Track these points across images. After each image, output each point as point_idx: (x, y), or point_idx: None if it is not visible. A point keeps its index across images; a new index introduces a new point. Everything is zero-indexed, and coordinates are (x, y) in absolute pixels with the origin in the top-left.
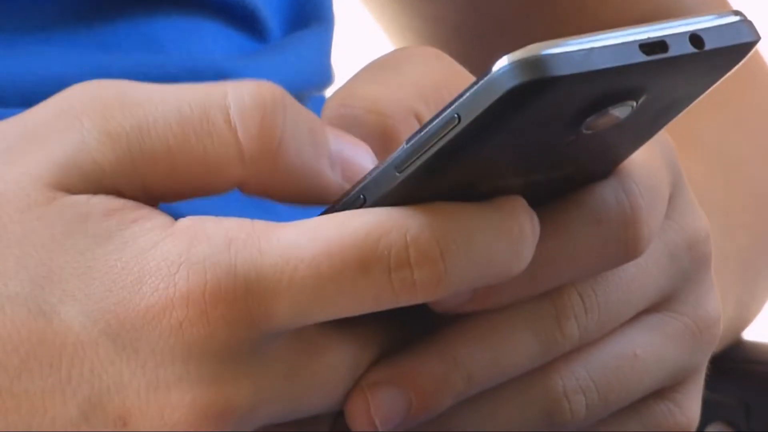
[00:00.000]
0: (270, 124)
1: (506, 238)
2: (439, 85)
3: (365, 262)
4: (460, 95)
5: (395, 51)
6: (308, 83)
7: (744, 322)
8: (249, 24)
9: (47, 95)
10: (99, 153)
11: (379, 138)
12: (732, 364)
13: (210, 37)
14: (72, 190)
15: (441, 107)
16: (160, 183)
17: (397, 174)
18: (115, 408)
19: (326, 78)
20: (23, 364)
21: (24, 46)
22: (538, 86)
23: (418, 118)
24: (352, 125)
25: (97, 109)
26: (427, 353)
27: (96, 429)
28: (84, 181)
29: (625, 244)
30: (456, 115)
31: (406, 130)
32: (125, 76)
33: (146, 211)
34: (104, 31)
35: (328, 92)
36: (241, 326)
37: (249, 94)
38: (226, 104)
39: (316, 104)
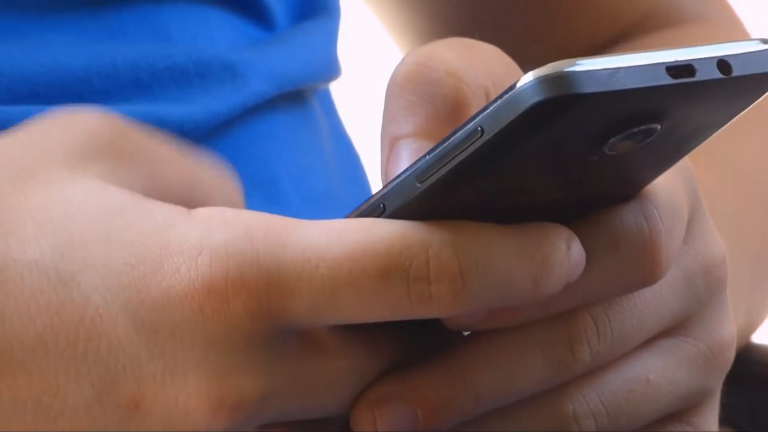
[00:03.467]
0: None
1: (527, 264)
2: (504, 73)
3: (386, 270)
4: (484, 109)
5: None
6: (315, 74)
7: (753, 329)
8: (256, 13)
9: (54, 86)
10: (116, 143)
11: (452, 101)
12: (737, 366)
13: (216, 26)
14: (90, 176)
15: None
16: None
17: (418, 184)
18: (129, 390)
19: (333, 70)
20: (39, 337)
21: (31, 35)
22: (562, 103)
23: (487, 95)
24: (428, 84)
25: (108, 117)
26: (436, 371)
27: (108, 410)
28: (101, 170)
29: (643, 270)
30: (479, 128)
31: (478, 103)
32: (132, 67)
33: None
34: (111, 20)
35: (334, 86)
36: (260, 319)
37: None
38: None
39: (323, 97)
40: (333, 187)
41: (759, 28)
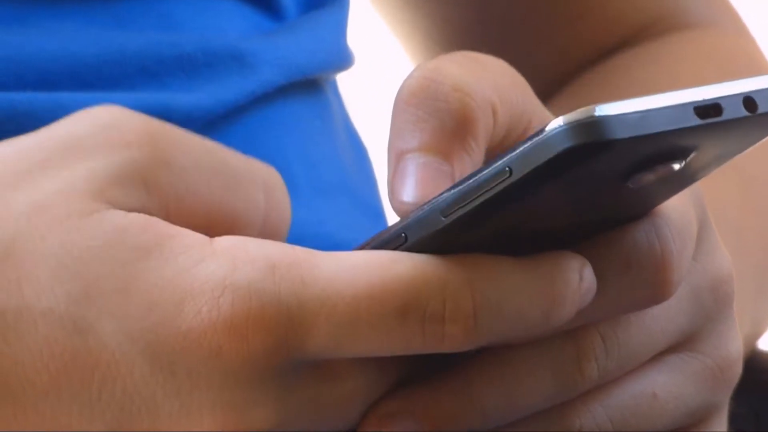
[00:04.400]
0: (287, 209)
1: (539, 300)
2: (511, 88)
3: (403, 309)
4: (513, 149)
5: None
6: (325, 64)
7: (757, 337)
8: (264, 2)
9: (62, 73)
10: (147, 172)
11: (459, 116)
12: (743, 374)
13: (225, 15)
14: (112, 203)
15: (511, 108)
16: (185, 222)
17: (443, 218)
18: (144, 429)
19: (344, 59)
20: (52, 381)
21: (39, 22)
22: (592, 149)
23: (493, 109)
24: (434, 98)
25: (146, 131)
26: (444, 387)
27: None
28: (125, 196)
29: (654, 289)
30: (508, 169)
31: (485, 118)
32: (140, 55)
33: (180, 229)
34: (119, 8)
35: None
36: (277, 353)
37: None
38: (264, 175)
39: (333, 88)
40: (345, 176)
41: (760, 29)
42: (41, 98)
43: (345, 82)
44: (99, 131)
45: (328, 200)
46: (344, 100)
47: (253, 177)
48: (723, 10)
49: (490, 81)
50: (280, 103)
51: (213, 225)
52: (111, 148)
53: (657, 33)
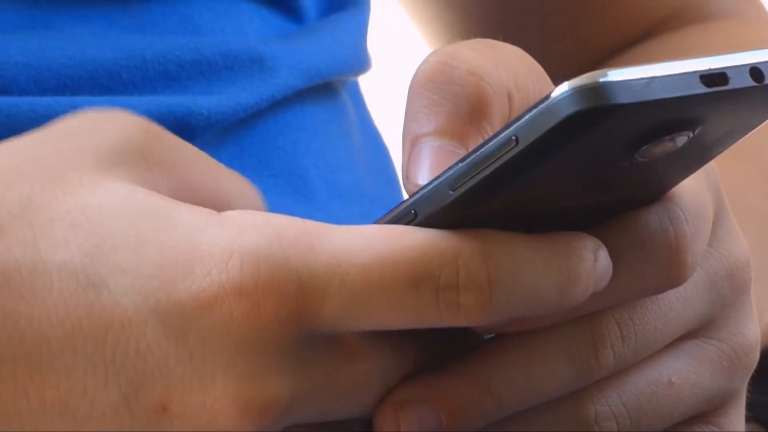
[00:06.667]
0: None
1: (554, 275)
2: (527, 75)
3: (416, 278)
4: (518, 118)
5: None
6: (344, 67)
7: None
8: (285, 6)
9: (82, 78)
10: (145, 147)
11: (474, 100)
12: (762, 362)
13: (246, 18)
14: (119, 179)
15: (527, 95)
16: (188, 195)
17: (451, 192)
18: (157, 393)
19: (362, 62)
20: (67, 338)
21: (59, 26)
22: (597, 114)
23: (509, 95)
24: (450, 82)
25: (135, 118)
26: (460, 374)
27: (135, 414)
28: (130, 172)
29: (668, 272)
30: (514, 138)
31: (500, 103)
32: (160, 59)
33: (185, 203)
34: (140, 12)
35: (362, 79)
36: (290, 322)
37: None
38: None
39: (352, 90)
40: (361, 179)
41: None
42: (61, 103)
43: (366, 82)
44: (95, 118)
45: (345, 204)
46: (365, 101)
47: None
48: (745, 2)
49: (507, 67)
50: (298, 107)
51: (212, 202)
52: (109, 129)
53: (679, 24)
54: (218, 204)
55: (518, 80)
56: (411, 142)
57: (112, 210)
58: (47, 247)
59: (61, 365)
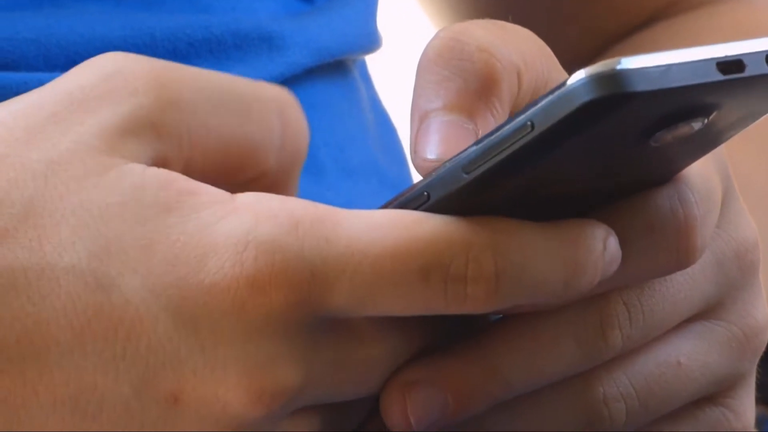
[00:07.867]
0: (304, 126)
1: (561, 267)
2: (536, 56)
3: (426, 269)
4: (534, 103)
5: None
6: (354, 46)
7: None
8: None
9: (91, 56)
10: (156, 116)
11: (483, 76)
12: None
13: None
14: (127, 156)
15: (536, 75)
16: (203, 159)
17: (465, 175)
18: (168, 385)
19: (373, 41)
20: (76, 338)
21: (68, 4)
22: (614, 101)
23: (519, 73)
24: (459, 58)
25: (151, 74)
26: (467, 356)
27: (146, 406)
28: (139, 146)
29: (677, 254)
30: (529, 123)
31: (509, 81)
32: (170, 38)
33: (200, 185)
34: None
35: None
36: (300, 309)
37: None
38: (276, 96)
39: (361, 68)
40: (372, 157)
41: None
42: None
43: (374, 62)
44: (103, 81)
45: (356, 182)
46: (373, 81)
47: (264, 100)
48: None
49: (516, 46)
50: (308, 85)
51: (231, 157)
52: (117, 97)
53: (687, 7)
54: (243, 155)
55: (527, 59)
56: (420, 117)
57: (120, 208)
58: (53, 251)
59: (70, 363)
